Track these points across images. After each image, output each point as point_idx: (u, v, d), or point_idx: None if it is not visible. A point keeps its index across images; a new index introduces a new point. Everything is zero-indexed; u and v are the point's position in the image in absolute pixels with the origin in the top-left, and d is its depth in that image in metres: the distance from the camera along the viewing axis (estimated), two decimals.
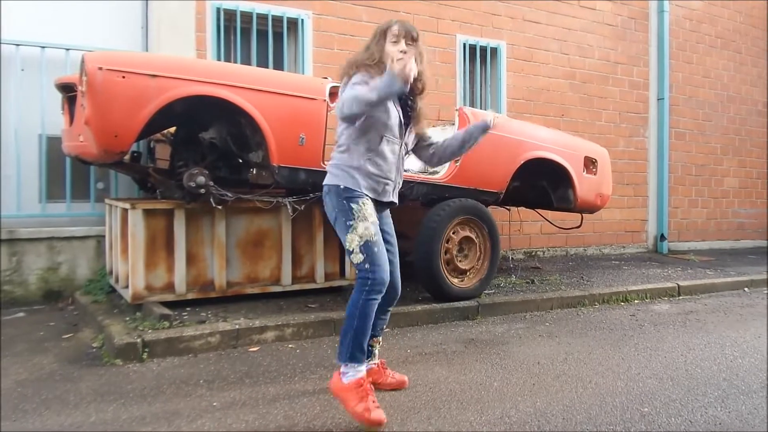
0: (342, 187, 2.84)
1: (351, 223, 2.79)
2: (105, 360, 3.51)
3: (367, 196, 2.85)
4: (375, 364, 3.16)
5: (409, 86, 2.59)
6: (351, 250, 2.80)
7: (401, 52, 2.84)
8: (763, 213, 9.98)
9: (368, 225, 2.79)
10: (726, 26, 9.44)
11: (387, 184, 2.92)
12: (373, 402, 2.71)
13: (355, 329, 2.78)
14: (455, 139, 3.13)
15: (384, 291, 2.82)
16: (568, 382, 3.33)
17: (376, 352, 3.17)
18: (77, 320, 4.40)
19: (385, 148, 2.87)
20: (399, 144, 2.94)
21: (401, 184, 3.08)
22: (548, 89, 7.67)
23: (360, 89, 2.65)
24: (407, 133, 3.01)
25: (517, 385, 3.27)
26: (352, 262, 2.89)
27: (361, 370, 2.81)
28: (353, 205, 2.81)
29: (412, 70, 2.53)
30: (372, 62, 2.85)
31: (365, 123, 2.82)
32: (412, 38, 2.87)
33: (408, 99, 2.99)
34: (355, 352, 2.79)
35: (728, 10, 9.46)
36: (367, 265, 2.77)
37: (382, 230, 2.90)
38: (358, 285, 2.80)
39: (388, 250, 2.91)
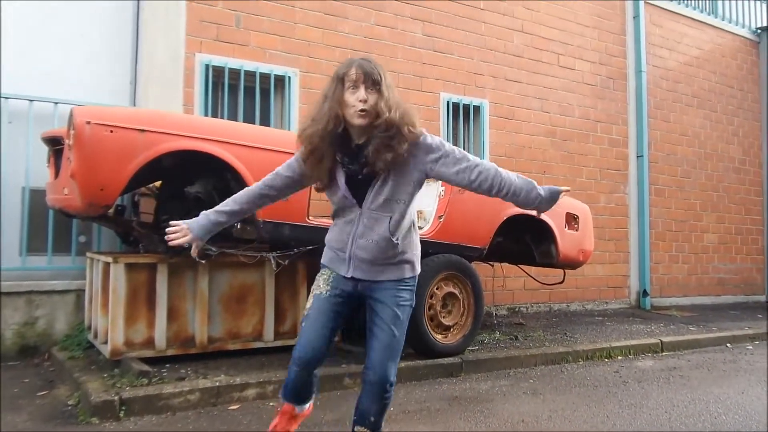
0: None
1: None
2: (81, 418, 3.42)
3: (328, 268, 2.64)
4: None
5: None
6: None
7: (361, 101, 2.37)
8: (742, 268, 10.10)
9: (310, 298, 2.64)
10: (701, 86, 9.75)
11: (340, 255, 2.58)
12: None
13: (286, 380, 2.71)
14: (522, 190, 2.55)
15: (300, 366, 2.56)
16: None
17: None
18: (53, 377, 4.31)
19: (341, 219, 2.59)
20: (357, 213, 2.49)
21: (370, 259, 2.53)
22: (530, 146, 7.82)
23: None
24: (371, 196, 2.47)
25: None
26: None
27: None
28: (320, 272, 2.69)
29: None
30: (309, 133, 2.44)
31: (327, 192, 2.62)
32: (373, 81, 2.39)
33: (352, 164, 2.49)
34: (285, 395, 2.72)
35: (703, 70, 9.79)
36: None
37: (372, 307, 2.58)
38: None
39: (374, 323, 2.56)
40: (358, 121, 2.40)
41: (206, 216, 2.59)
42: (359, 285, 2.57)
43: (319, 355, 2.54)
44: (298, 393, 2.67)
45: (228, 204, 2.65)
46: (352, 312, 2.66)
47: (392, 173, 2.46)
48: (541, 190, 2.56)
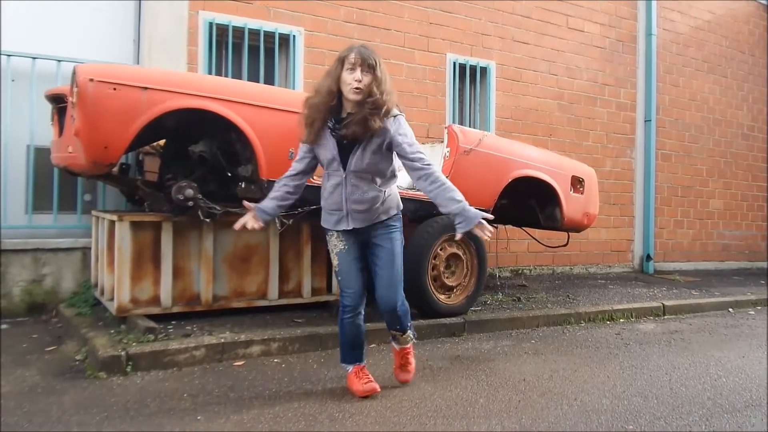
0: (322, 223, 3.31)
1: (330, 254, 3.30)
2: (88, 373, 3.47)
3: (333, 230, 3.20)
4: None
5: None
6: None
7: (356, 80, 2.91)
8: (747, 235, 10.09)
9: (335, 257, 3.24)
10: (712, 50, 9.60)
11: (336, 214, 3.14)
12: (367, 379, 3.25)
13: (340, 341, 3.34)
14: (439, 198, 3.02)
15: (351, 312, 3.20)
16: (554, 400, 3.33)
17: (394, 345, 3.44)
18: (61, 333, 4.37)
19: (328, 183, 3.14)
20: (342, 176, 3.05)
21: (365, 209, 3.10)
22: (537, 109, 7.75)
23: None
24: (353, 161, 3.01)
25: (502, 401, 3.27)
26: None
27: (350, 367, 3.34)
28: (327, 239, 3.28)
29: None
30: (317, 100, 3.01)
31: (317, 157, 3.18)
32: (368, 66, 2.94)
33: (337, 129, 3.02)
34: (345, 357, 3.33)
35: (714, 34, 9.63)
36: (339, 290, 3.30)
37: (371, 250, 3.20)
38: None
39: (375, 264, 3.19)
40: (352, 96, 2.95)
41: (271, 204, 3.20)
42: (360, 231, 3.16)
43: (362, 294, 3.22)
44: (353, 345, 3.27)
45: (283, 198, 3.20)
46: (365, 249, 3.23)
47: (369, 143, 2.99)
48: (465, 207, 3.00)
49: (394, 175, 3.22)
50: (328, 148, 3.04)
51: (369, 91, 2.93)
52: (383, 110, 2.95)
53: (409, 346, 3.44)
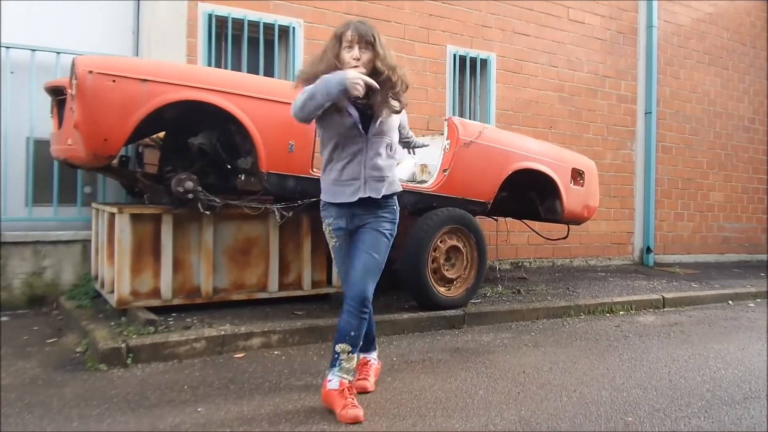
0: (321, 200, 3.11)
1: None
2: (89, 365, 3.48)
3: (332, 208, 3.02)
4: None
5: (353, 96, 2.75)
6: None
7: (354, 59, 2.83)
8: (747, 227, 10.08)
9: (332, 251, 3.16)
10: (713, 42, 9.56)
11: (353, 184, 2.95)
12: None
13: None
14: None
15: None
16: (553, 392, 3.34)
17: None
18: (61, 325, 4.37)
19: (344, 153, 2.95)
20: (363, 141, 2.92)
21: (381, 176, 2.98)
22: (537, 101, 7.73)
23: (309, 90, 2.81)
24: (376, 125, 2.93)
25: (502, 393, 3.28)
26: None
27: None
28: (323, 224, 3.11)
29: (358, 88, 2.70)
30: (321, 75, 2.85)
31: (322, 132, 3.02)
32: (366, 42, 2.84)
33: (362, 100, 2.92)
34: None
35: (716, 26, 9.59)
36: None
37: (359, 235, 3.01)
38: None
39: (356, 247, 2.99)
40: None
41: None
42: (355, 218, 3.00)
43: None
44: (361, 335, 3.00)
45: None
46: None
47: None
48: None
49: (395, 146, 3.18)
50: (350, 115, 2.90)
51: (373, 67, 2.86)
52: (403, 87, 2.96)
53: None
